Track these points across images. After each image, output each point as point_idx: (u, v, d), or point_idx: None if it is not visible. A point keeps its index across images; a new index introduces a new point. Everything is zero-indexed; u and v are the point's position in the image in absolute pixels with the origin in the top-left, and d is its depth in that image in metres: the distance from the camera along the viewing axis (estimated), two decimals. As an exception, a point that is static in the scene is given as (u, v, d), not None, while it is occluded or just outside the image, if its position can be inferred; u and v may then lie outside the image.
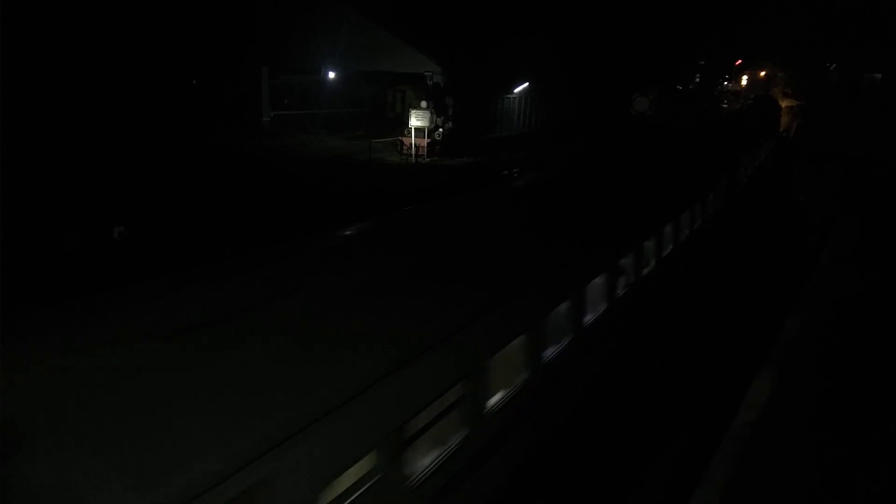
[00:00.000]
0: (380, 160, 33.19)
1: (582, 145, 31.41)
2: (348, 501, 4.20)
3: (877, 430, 8.53)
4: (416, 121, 34.12)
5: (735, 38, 79.59)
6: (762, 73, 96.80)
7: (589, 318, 8.03)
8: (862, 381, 9.79)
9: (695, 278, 14.07)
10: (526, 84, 43.63)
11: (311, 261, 6.01)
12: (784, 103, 61.74)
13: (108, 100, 28.29)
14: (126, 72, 29.20)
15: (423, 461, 5.08)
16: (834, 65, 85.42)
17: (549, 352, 6.96)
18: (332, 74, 41.38)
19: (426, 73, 38.09)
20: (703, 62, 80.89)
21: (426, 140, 34.31)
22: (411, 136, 34.21)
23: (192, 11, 31.72)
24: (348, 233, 7.13)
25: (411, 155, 34.05)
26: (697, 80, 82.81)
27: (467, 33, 35.77)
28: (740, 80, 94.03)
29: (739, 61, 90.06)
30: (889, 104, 61.10)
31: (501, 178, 25.89)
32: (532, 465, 7.19)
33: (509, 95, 44.07)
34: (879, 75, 79.72)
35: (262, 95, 39.34)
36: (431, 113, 34.67)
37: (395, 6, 33.88)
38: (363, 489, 4.29)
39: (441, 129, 36.09)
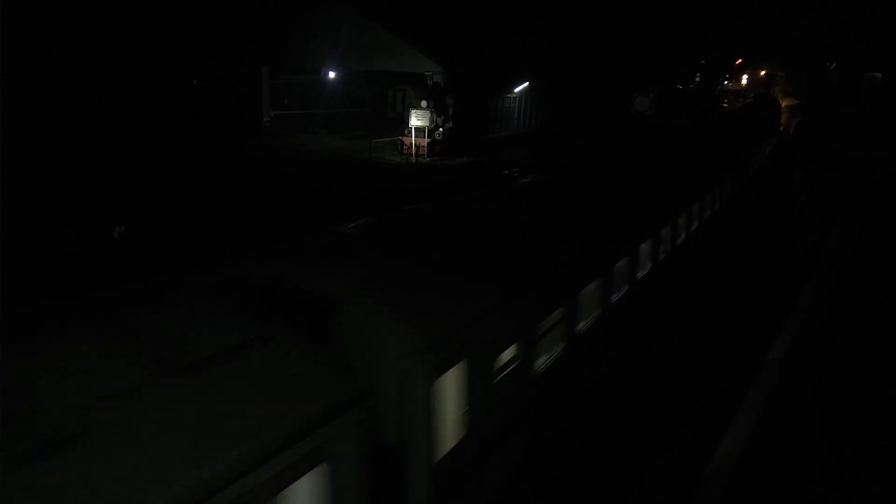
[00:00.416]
0: (380, 160, 33.19)
1: (582, 146, 31.39)
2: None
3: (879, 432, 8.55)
4: (416, 120, 34.11)
5: (735, 37, 79.56)
6: (762, 73, 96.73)
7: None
8: (860, 381, 9.79)
9: (693, 281, 14.05)
10: (526, 83, 43.61)
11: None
12: (784, 102, 61.71)
13: (109, 100, 28.28)
14: (126, 72, 29.18)
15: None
16: (834, 64, 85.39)
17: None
18: (332, 74, 41.37)
19: (426, 73, 38.09)
20: (703, 61, 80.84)
21: (426, 140, 34.31)
22: (411, 136, 34.20)
23: (193, 11, 31.72)
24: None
25: (411, 154, 34.05)
26: (698, 79, 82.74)
27: (467, 33, 35.77)
28: (740, 79, 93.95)
29: (740, 60, 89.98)
30: (889, 104, 61.06)
31: (502, 178, 25.89)
32: (531, 463, 7.21)
33: (509, 95, 44.06)
34: (879, 74, 79.70)
35: (262, 95, 39.33)
36: (431, 112, 34.67)
37: (395, 6, 33.89)
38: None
39: (441, 129, 36.09)
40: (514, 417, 6.45)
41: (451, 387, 5.43)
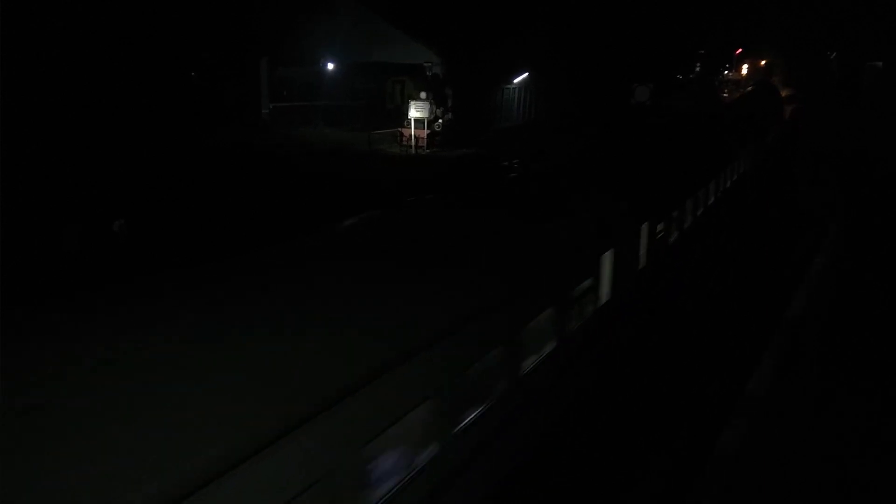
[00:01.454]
0: (380, 152, 33.14)
1: (580, 139, 31.30)
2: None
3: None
4: (415, 112, 34.04)
5: (735, 27, 79.24)
6: (763, 62, 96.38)
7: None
8: (861, 378, 9.81)
9: (690, 279, 14.04)
10: (525, 74, 43.47)
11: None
12: (783, 92, 61.54)
13: (106, 94, 28.18)
14: (124, 65, 29.06)
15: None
16: (834, 53, 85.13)
17: None
18: (330, 66, 41.23)
19: (425, 64, 37.96)
20: (703, 51, 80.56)
21: (426, 131, 34.24)
22: (411, 128, 34.13)
23: (191, 3, 31.57)
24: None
25: (411, 146, 33.99)
26: (698, 69, 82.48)
27: (466, 23, 35.61)
28: (741, 69, 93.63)
29: (740, 50, 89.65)
30: (890, 93, 60.88)
31: (501, 170, 25.83)
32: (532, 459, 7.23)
33: (508, 86, 43.92)
34: (880, 63, 79.44)
35: (260, 88, 39.21)
36: (431, 104, 34.58)
37: (394, -3, 33.78)
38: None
39: (440, 120, 36.00)
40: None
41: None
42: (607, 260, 8.67)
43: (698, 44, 75.63)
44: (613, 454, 8.16)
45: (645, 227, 10.03)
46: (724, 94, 77.90)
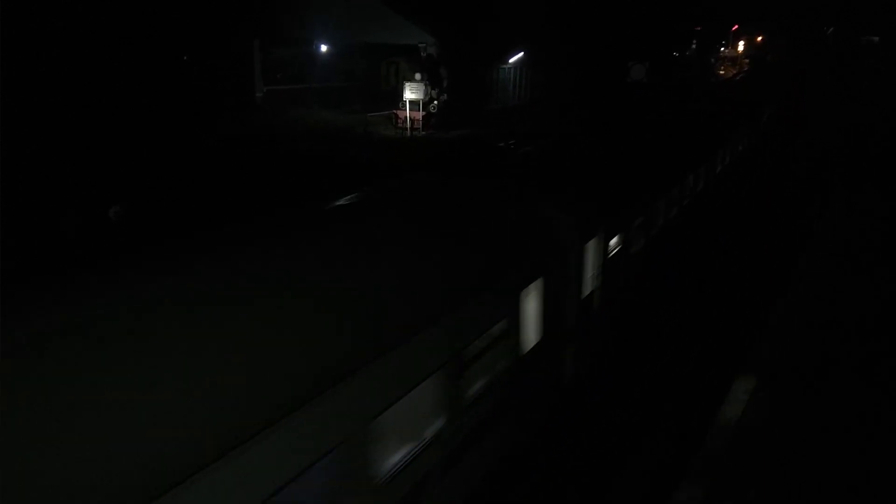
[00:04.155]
0: (375, 134, 32.93)
1: (574, 119, 31.12)
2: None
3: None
4: (410, 93, 33.79)
5: (731, 2, 78.66)
6: (759, 38, 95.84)
7: None
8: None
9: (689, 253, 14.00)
10: (521, 53, 43.13)
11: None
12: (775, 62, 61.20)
13: (97, 79, 27.91)
14: (115, 50, 28.76)
15: None
16: (831, 28, 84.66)
17: None
18: (324, 48, 40.84)
19: (420, 45, 37.60)
20: (699, 28, 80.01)
21: (421, 113, 34.02)
22: (406, 110, 33.91)
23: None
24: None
25: (406, 128, 33.79)
26: (694, 46, 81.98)
27: (460, 1, 35.29)
28: (737, 45, 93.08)
29: (736, 27, 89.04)
30: (885, 68, 60.64)
31: (498, 150, 25.72)
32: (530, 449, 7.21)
33: (504, 66, 43.60)
34: (877, 38, 79.04)
35: (253, 70, 38.85)
36: (426, 85, 34.31)
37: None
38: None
39: (436, 102, 35.75)
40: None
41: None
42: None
43: (694, 20, 75.07)
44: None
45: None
46: (721, 72, 77.58)
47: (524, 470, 7.35)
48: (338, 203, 6.79)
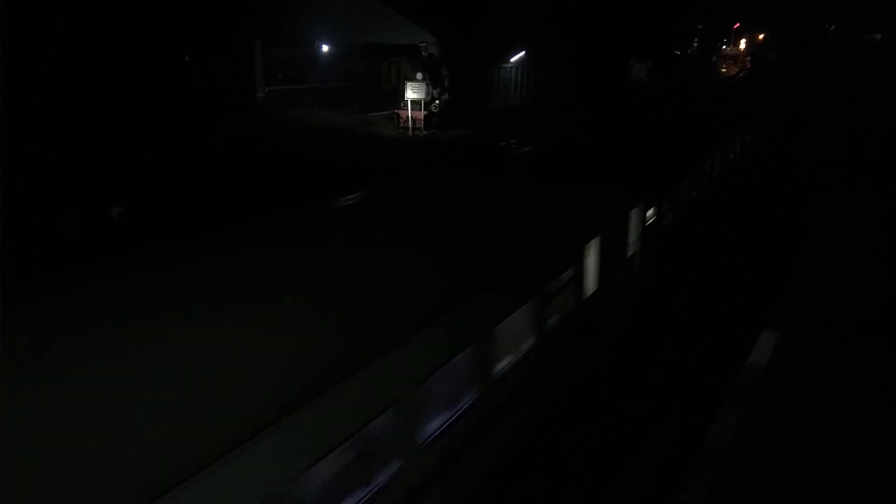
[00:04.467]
0: (377, 134, 32.96)
1: (574, 119, 31.13)
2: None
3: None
4: (411, 93, 33.80)
5: (732, 1, 78.62)
6: (760, 37, 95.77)
7: None
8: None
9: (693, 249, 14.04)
10: (522, 53, 43.12)
11: None
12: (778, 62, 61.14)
13: (99, 80, 27.96)
14: (116, 51, 28.79)
15: None
16: (833, 26, 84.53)
17: None
18: (325, 48, 40.86)
19: (421, 45, 37.61)
20: (700, 26, 79.95)
21: (422, 112, 34.04)
22: (407, 109, 33.93)
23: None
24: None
25: (408, 128, 33.82)
26: (696, 44, 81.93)
27: (461, 1, 35.28)
28: (738, 43, 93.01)
29: (737, 25, 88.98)
30: (886, 68, 60.54)
31: (499, 150, 25.68)
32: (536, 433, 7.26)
33: (506, 65, 43.59)
34: (879, 36, 78.90)
35: (255, 71, 38.88)
36: (427, 85, 34.32)
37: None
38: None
39: (437, 101, 35.76)
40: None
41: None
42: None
43: (695, 20, 75.00)
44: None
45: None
46: (722, 69, 77.52)
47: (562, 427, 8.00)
48: (446, 177, 9.13)
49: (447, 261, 6.09)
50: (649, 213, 10.26)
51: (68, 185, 17.83)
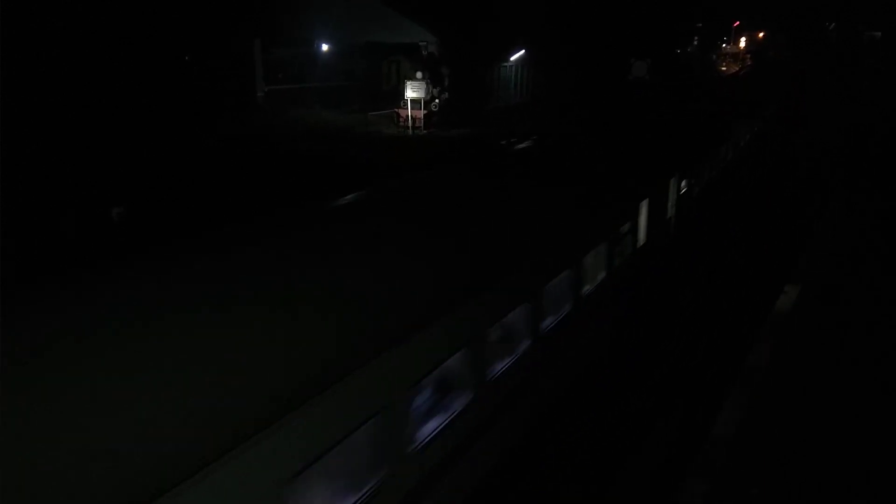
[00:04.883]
0: (377, 134, 32.96)
1: (575, 119, 31.10)
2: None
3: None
4: (412, 92, 33.79)
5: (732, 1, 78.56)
6: (760, 35, 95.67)
7: None
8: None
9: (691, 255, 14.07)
10: (522, 51, 43.10)
11: None
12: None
13: (99, 80, 27.95)
14: (116, 51, 28.79)
15: None
16: (833, 24, 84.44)
17: None
18: (325, 47, 40.86)
19: (421, 43, 37.60)
20: (700, 24, 79.93)
21: (423, 111, 34.04)
22: (407, 108, 33.93)
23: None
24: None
25: (408, 127, 33.82)
26: (696, 42, 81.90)
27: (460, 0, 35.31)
28: (738, 42, 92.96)
29: (737, 23, 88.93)
30: (886, 68, 60.47)
31: (499, 148, 25.67)
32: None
33: (505, 64, 43.58)
34: (879, 33, 78.82)
35: (255, 70, 38.87)
36: (427, 83, 34.31)
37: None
38: None
39: (437, 100, 35.76)
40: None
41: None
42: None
43: (695, 19, 74.93)
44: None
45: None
46: (723, 68, 77.45)
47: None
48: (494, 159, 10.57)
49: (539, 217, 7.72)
50: (683, 183, 12.40)
51: (68, 186, 17.84)
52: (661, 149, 12.65)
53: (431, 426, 5.58)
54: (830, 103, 41.75)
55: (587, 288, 8.30)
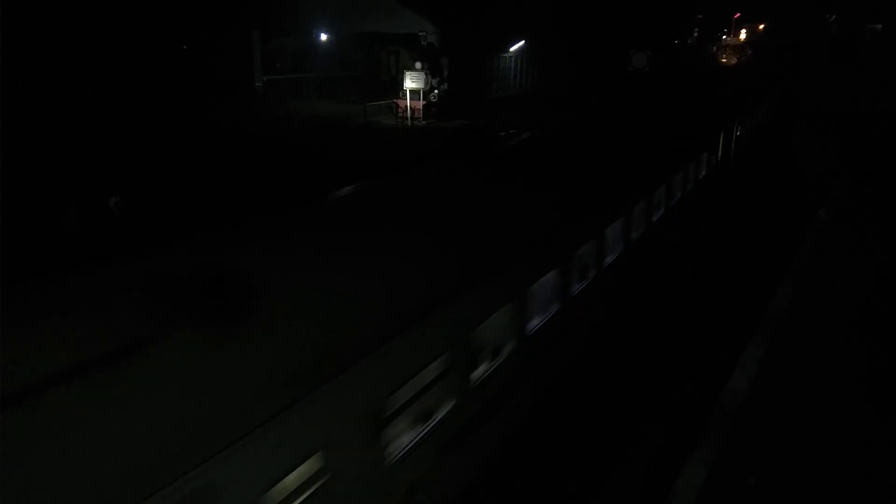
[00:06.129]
0: (376, 124, 32.85)
1: (574, 112, 31.04)
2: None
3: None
4: (410, 83, 33.67)
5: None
6: (761, 26, 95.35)
7: None
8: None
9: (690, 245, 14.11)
10: (522, 42, 42.95)
11: None
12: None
13: (97, 71, 27.82)
14: (114, 41, 28.65)
15: None
16: (834, 16, 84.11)
17: None
18: (324, 37, 40.65)
19: (420, 34, 37.46)
20: (700, 16, 79.65)
21: (421, 102, 33.93)
22: (406, 99, 33.82)
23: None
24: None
25: (407, 118, 33.73)
26: (696, 34, 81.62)
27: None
28: (739, 33, 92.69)
29: (738, 15, 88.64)
30: (886, 62, 60.28)
31: (498, 140, 25.65)
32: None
33: (505, 54, 43.43)
34: (880, 26, 78.55)
35: (253, 60, 38.67)
36: (426, 74, 34.18)
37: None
38: None
39: (436, 91, 35.64)
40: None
41: None
42: None
43: (696, 9, 74.61)
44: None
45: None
46: (723, 59, 77.22)
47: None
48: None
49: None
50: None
51: (68, 179, 17.79)
52: (720, 108, 18.44)
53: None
54: (829, 97, 41.65)
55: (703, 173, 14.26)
